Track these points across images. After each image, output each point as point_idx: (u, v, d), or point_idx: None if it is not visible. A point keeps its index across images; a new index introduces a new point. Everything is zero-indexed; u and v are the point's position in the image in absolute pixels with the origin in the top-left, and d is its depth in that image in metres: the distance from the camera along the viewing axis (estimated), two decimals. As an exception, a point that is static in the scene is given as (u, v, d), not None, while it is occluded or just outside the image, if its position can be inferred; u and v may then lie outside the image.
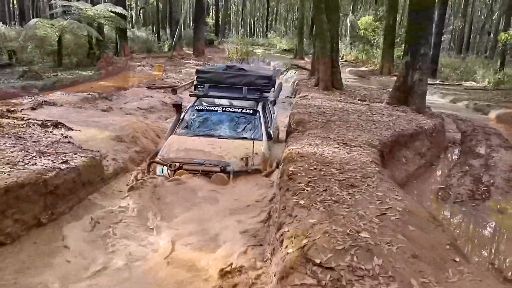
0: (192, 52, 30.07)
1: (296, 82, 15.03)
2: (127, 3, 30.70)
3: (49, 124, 6.27)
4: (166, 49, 32.66)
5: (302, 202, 3.54)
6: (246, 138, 6.34)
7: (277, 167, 5.87)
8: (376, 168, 4.57)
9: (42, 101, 8.44)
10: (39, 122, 6.30)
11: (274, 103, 7.85)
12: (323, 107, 9.23)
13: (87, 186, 4.66)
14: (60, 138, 5.64)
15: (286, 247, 3.04)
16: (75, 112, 8.15)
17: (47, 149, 4.96)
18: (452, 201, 6.00)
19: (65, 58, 18.60)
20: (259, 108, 7.03)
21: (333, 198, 3.56)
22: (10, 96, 10.29)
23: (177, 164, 5.61)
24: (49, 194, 4.03)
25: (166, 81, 15.89)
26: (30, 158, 4.47)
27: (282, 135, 8.41)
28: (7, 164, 4.19)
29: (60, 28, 17.29)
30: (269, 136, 6.67)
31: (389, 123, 7.81)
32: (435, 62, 23.19)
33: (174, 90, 7.55)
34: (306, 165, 4.54)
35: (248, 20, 74.67)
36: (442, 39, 26.19)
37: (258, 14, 74.61)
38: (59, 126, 6.28)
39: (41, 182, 3.95)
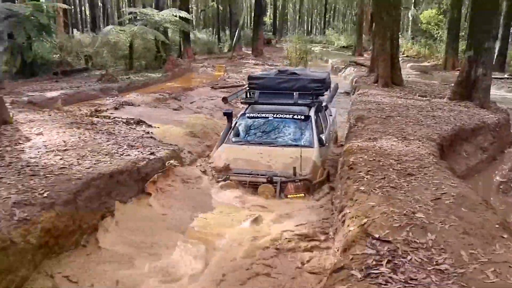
0: (251, 52, 30.81)
1: (355, 79, 15.17)
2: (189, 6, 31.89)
3: (132, 122, 7.06)
4: (226, 50, 33.70)
5: (362, 188, 3.93)
6: (296, 146, 6.14)
7: (327, 176, 5.85)
8: (434, 160, 4.84)
9: (122, 102, 9.38)
10: (124, 120, 7.11)
11: (325, 108, 7.47)
12: (382, 103, 9.44)
13: (168, 174, 5.31)
14: (143, 134, 6.37)
15: (348, 225, 3.46)
16: (151, 111, 8.97)
17: (135, 143, 5.69)
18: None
19: (135, 62, 19.88)
20: (311, 113, 6.83)
21: (391, 185, 3.92)
22: (92, 98, 11.43)
23: (224, 175, 5.66)
24: (140, 180, 4.71)
25: (228, 81, 16.63)
26: (123, 150, 5.21)
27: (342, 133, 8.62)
28: (106, 154, 4.93)
29: (131, 34, 18.55)
30: (321, 143, 6.39)
31: (449, 118, 7.90)
32: (503, 56, 22.25)
33: (225, 99, 7.38)
34: (366, 156, 4.91)
35: (306, 17, 74.57)
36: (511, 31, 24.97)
37: (315, 11, 74.27)
38: (141, 123, 7.05)
39: (136, 169, 4.64)
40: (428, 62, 26.04)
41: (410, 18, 34.92)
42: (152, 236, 4.06)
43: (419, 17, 30.05)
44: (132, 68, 19.00)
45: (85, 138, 5.69)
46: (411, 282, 2.50)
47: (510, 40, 23.87)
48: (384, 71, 12.34)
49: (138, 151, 5.21)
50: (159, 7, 24.58)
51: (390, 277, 2.56)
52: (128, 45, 19.08)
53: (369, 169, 4.41)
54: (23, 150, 4.97)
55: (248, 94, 7.41)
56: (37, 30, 15.73)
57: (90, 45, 21.95)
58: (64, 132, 5.96)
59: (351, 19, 64.26)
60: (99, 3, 39.16)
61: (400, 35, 35.83)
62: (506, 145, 8.59)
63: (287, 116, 6.83)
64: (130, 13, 21.41)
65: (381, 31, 12.42)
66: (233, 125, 6.83)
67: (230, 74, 19.15)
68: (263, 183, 5.49)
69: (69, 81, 14.80)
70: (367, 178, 4.14)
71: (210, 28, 42.12)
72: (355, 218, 3.45)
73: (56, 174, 4.14)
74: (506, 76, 20.59)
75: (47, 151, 4.94)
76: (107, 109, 8.57)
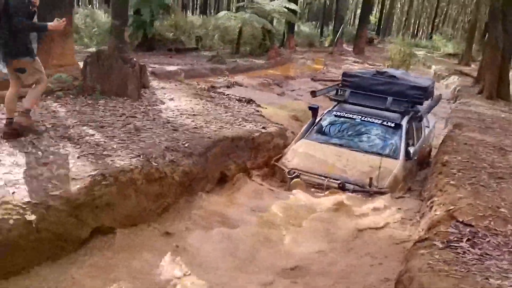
0: (351, 49, 30.81)
1: (457, 88, 14.89)
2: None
3: (243, 100, 7.94)
4: (326, 44, 33.91)
5: (452, 182, 4.37)
6: (379, 154, 5.75)
7: (408, 190, 5.56)
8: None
9: (233, 82, 10.35)
10: (237, 97, 8.01)
11: (420, 119, 6.80)
12: (483, 114, 9.42)
13: (275, 148, 6.09)
14: (253, 112, 7.21)
15: (435, 210, 3.96)
16: (258, 93, 9.85)
17: (247, 118, 6.54)
18: None
19: (241, 47, 21.08)
20: (403, 122, 6.29)
21: (480, 183, 4.32)
22: (204, 75, 12.62)
23: (296, 173, 5.47)
24: (254, 148, 5.54)
25: (327, 75, 17.14)
26: (240, 122, 6.07)
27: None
28: (227, 123, 5.83)
29: (242, 20, 19.72)
30: (408, 155, 5.89)
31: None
32: None
33: (313, 92, 7.14)
34: (459, 157, 5.28)
35: (413, 19, 71.79)
36: None
37: (424, 14, 71.16)
38: (251, 102, 7.90)
39: (251, 138, 5.48)
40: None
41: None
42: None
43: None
44: (238, 53, 20.17)
45: (208, 108, 6.67)
46: (485, 256, 2.99)
47: None
48: (491, 82, 12.08)
49: (252, 125, 6.04)
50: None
51: (468, 250, 3.06)
52: (237, 30, 20.31)
53: (461, 168, 4.81)
54: (161, 111, 6.04)
55: (338, 91, 7.11)
56: (161, 8, 17.46)
57: (200, 27, 23.54)
58: (191, 100, 7.00)
59: (462, 26, 60.74)
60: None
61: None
62: None
63: (376, 121, 6.36)
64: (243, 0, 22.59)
65: (493, 42, 12.13)
66: (317, 121, 6.60)
67: (329, 69, 19.60)
68: (334, 188, 5.26)
69: (183, 58, 16.23)
70: (458, 175, 4.56)
71: (314, 22, 42.54)
72: (443, 205, 3.94)
73: (192, 132, 5.09)
74: None
75: (180, 114, 5.97)
76: (221, 86, 9.59)
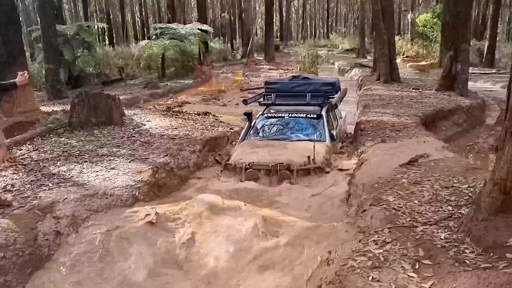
0: (262, 58, 33.56)
1: (360, 78, 17.90)
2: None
3: (201, 113, 9.79)
4: (239, 56, 36.49)
5: (370, 136, 6.66)
6: (310, 140, 6.71)
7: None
8: (413, 124, 7.57)
9: (182, 101, 12.14)
10: (195, 112, 9.84)
11: (335, 107, 8.25)
12: (383, 95, 12.13)
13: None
14: (214, 120, 9.11)
15: (362, 151, 6.19)
16: (205, 107, 11.72)
17: (214, 124, 8.44)
18: (475, 151, 8.75)
19: (166, 70, 22.72)
20: (323, 112, 7.42)
21: (385, 135, 6.66)
22: (146, 101, 14.19)
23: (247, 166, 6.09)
24: (230, 143, 7.47)
25: (252, 84, 19.39)
26: (211, 128, 7.96)
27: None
28: (203, 130, 7.71)
29: (163, 47, 21.41)
30: (332, 137, 7.07)
31: (433, 103, 10.59)
32: (492, 53, 24.89)
33: (245, 101, 8.22)
34: (371, 124, 7.65)
35: (309, 22, 77.23)
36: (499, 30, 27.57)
37: (318, 16, 76.91)
38: (208, 114, 9.77)
39: (226, 136, 7.41)
40: (426, 62, 28.62)
41: (409, 21, 37.54)
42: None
43: (416, 21, 32.67)
44: (165, 76, 21.83)
45: (181, 122, 8.45)
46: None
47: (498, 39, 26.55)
48: (385, 70, 15.04)
49: (222, 127, 7.96)
50: (176, 21, 27.55)
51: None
52: (160, 56, 21.97)
53: (373, 129, 7.16)
54: (149, 129, 7.74)
55: (265, 97, 8.18)
56: (82, 47, 18.60)
57: (115, 57, 24.73)
58: (163, 119, 8.73)
59: (353, 23, 66.88)
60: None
61: (400, 37, 38.36)
62: (479, 123, 11.24)
63: (301, 115, 7.48)
64: (159, 28, 24.24)
65: (380, 37, 15.13)
66: (252, 124, 7.53)
67: (251, 78, 21.91)
68: (282, 170, 5.98)
69: (115, 90, 17.37)
70: (372, 133, 6.88)
71: (221, 37, 45.07)
72: (367, 146, 6.18)
73: (185, 138, 6.91)
74: (494, 71, 23.21)
75: (165, 129, 7.72)
76: (174, 106, 11.33)
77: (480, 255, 2.68)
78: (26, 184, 4.61)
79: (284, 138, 7.06)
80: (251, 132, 7.45)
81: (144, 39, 29.66)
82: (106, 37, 43.73)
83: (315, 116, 7.39)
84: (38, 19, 17.77)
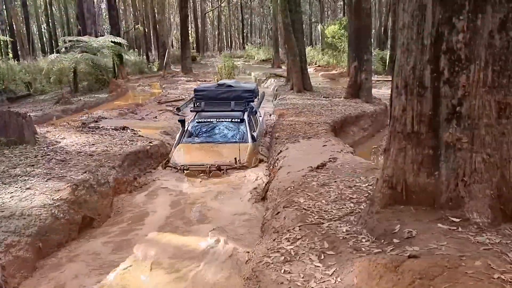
0: (180, 70, 33.48)
1: (275, 88, 18.67)
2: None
3: (119, 128, 9.70)
4: (155, 69, 36.03)
5: (284, 144, 7.12)
6: (235, 142, 7.93)
7: (259, 162, 7.83)
8: (324, 132, 8.18)
9: (97, 117, 11.88)
10: (112, 127, 9.72)
11: (255, 112, 9.41)
12: (296, 104, 12.83)
13: (163, 155, 8.17)
14: (132, 135, 9.08)
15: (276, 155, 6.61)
16: (123, 121, 11.56)
17: (133, 139, 8.43)
18: (379, 153, 9.62)
19: (79, 84, 21.89)
20: (245, 117, 8.61)
21: (298, 141, 7.15)
22: (59, 117, 13.66)
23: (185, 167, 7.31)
24: (149, 157, 7.53)
25: (169, 97, 19.35)
26: (130, 142, 7.96)
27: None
28: (122, 144, 7.69)
29: (74, 61, 20.64)
30: (253, 139, 8.23)
31: (341, 110, 11.44)
32: (393, 61, 27.07)
33: (178, 109, 9.24)
34: (285, 132, 8.15)
35: (224, 33, 78.24)
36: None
37: (233, 26, 78.18)
38: (126, 128, 9.71)
39: (146, 150, 7.47)
40: (336, 71, 30.43)
41: (320, 32, 39.65)
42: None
43: (325, 32, 34.63)
44: (78, 91, 21.00)
45: (98, 138, 8.34)
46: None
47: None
48: (297, 80, 15.87)
49: (141, 142, 8.00)
50: (86, 33, 26.66)
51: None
52: (72, 70, 21.12)
53: (287, 136, 7.64)
54: (65, 146, 7.57)
55: (195, 104, 9.31)
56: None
57: (21, 72, 23.36)
58: (79, 136, 8.56)
59: (267, 34, 68.91)
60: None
61: (312, 47, 40.29)
62: (382, 127, 12.32)
63: (227, 120, 8.67)
64: (69, 41, 23.31)
65: (291, 49, 15.96)
66: (185, 129, 8.58)
67: (168, 91, 21.83)
68: (214, 170, 7.18)
69: (23, 106, 16.41)
70: (286, 140, 7.35)
71: (136, 49, 44.21)
72: (280, 152, 6.62)
73: (103, 154, 6.87)
74: (395, 78, 25.32)
75: (82, 146, 7.59)
76: (90, 122, 11.06)
77: (373, 242, 3.13)
78: None
79: (214, 141, 8.32)
80: (185, 136, 8.44)
81: (53, 52, 28.33)
82: (10, 51, 41.05)
83: (238, 120, 8.53)
84: None
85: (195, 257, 4.25)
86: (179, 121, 8.90)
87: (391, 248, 2.88)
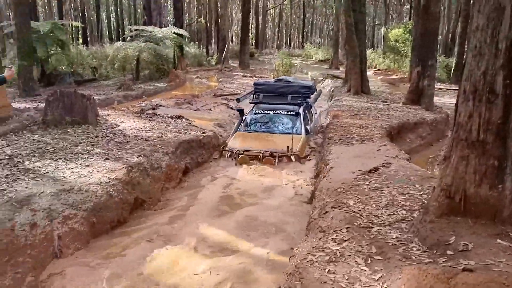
0: (237, 65, 33.84)
1: (332, 89, 18.40)
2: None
3: (174, 117, 9.94)
4: (213, 62, 36.65)
5: (337, 145, 6.99)
6: (289, 133, 8.41)
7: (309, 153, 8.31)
8: (378, 136, 7.96)
9: (156, 104, 12.24)
10: (168, 116, 9.98)
11: (310, 107, 9.99)
12: (352, 106, 12.57)
13: (214, 147, 8.28)
14: (187, 124, 9.27)
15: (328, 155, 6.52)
16: (179, 110, 11.85)
17: (187, 128, 8.61)
18: (437, 163, 9.23)
19: (140, 73, 22.69)
20: (300, 110, 9.21)
21: (352, 143, 7.00)
22: (119, 102, 14.20)
23: (240, 152, 7.87)
24: (201, 147, 7.66)
25: (225, 90, 19.61)
26: (184, 131, 8.13)
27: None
28: (177, 132, 7.87)
29: (138, 49, 21.39)
30: (307, 131, 8.89)
31: (399, 116, 11.08)
32: (460, 70, 25.94)
33: (238, 99, 9.87)
34: (339, 133, 8.00)
35: (284, 31, 78.16)
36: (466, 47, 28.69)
37: (294, 25, 77.92)
38: (181, 117, 9.93)
39: (199, 140, 7.60)
40: (396, 75, 29.55)
41: (382, 35, 38.63)
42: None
43: (389, 35, 33.67)
44: (139, 79, 21.77)
45: (154, 125, 8.59)
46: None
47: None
48: (355, 82, 15.55)
49: (195, 131, 8.15)
50: (152, 24, 27.50)
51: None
52: (135, 58, 21.92)
53: (340, 139, 7.50)
54: (123, 130, 7.85)
55: (254, 96, 9.99)
56: (56, 45, 18.44)
57: (89, 57, 24.54)
58: (137, 121, 8.85)
59: (328, 34, 68.14)
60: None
61: (373, 50, 39.41)
62: (442, 136, 11.81)
63: (283, 112, 9.27)
64: (135, 30, 24.18)
65: (352, 50, 15.65)
66: (243, 118, 9.36)
67: (225, 85, 22.13)
68: (267, 156, 7.71)
69: (87, 89, 17.32)
70: (339, 141, 7.21)
71: (196, 42, 45.15)
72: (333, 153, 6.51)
73: (158, 140, 7.06)
74: (459, 87, 24.19)
75: (138, 130, 7.85)
76: (148, 109, 11.42)
77: (425, 252, 2.99)
78: (1, 178, 4.69)
79: (269, 131, 8.90)
80: (242, 125, 9.22)
81: (119, 40, 29.50)
82: (80, 37, 43.26)
83: (294, 113, 9.13)
84: (11, 14, 17.56)
85: (239, 250, 4.29)
86: (238, 110, 9.63)
87: (444, 260, 2.74)
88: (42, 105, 9.15)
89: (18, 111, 9.67)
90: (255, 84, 10.42)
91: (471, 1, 17.56)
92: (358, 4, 15.83)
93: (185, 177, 6.93)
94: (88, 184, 4.68)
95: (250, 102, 10.05)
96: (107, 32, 48.15)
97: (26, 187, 4.43)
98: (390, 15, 52.54)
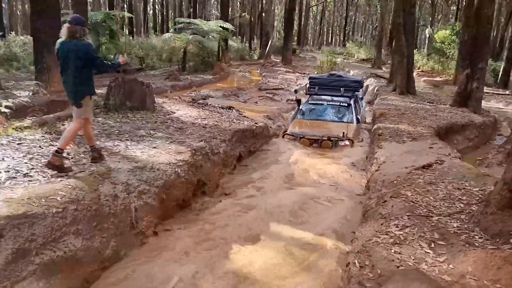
0: (279, 60, 34.04)
1: (376, 88, 18.34)
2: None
3: (225, 107, 10.28)
4: (255, 57, 37.00)
5: (388, 141, 7.13)
6: (343, 121, 9.76)
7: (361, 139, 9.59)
8: (429, 134, 8.02)
9: (206, 95, 12.66)
10: (220, 106, 10.34)
11: (361, 98, 11.37)
12: (398, 105, 12.56)
13: (264, 137, 8.57)
14: (238, 115, 9.60)
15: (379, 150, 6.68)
16: (227, 102, 12.22)
17: (239, 118, 8.93)
18: (484, 166, 9.18)
19: (186, 64, 23.30)
20: (352, 102, 10.46)
21: (402, 140, 7.12)
22: (166, 91, 14.71)
23: (301, 136, 9.08)
24: (253, 137, 7.96)
25: (269, 85, 19.89)
26: (236, 121, 8.45)
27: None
28: (229, 122, 8.20)
29: (186, 41, 21.97)
30: (358, 121, 10.12)
31: (447, 117, 11.03)
32: (507, 75, 25.27)
33: (295, 91, 11.16)
34: (388, 131, 8.11)
35: (325, 29, 77.57)
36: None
37: (336, 23, 77.23)
38: (231, 108, 10.27)
39: (252, 130, 7.90)
40: (440, 77, 28.94)
41: (427, 36, 37.85)
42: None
43: (435, 36, 32.99)
44: (185, 70, 22.38)
45: (208, 114, 8.96)
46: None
47: None
48: (401, 82, 15.47)
49: (247, 122, 8.46)
50: (196, 17, 28.08)
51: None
52: (182, 50, 22.54)
53: (390, 136, 7.63)
54: (179, 117, 8.25)
55: (309, 88, 11.30)
56: (108, 34, 19.21)
57: (135, 47, 25.29)
58: (191, 110, 9.24)
59: (370, 33, 67.17)
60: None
61: (417, 51, 38.78)
62: (489, 139, 11.67)
63: (336, 103, 10.40)
64: (182, 22, 24.81)
65: (400, 50, 15.56)
66: (300, 107, 10.58)
67: (268, 79, 22.41)
68: (325, 140, 8.78)
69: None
70: (389, 138, 7.34)
71: (239, 36, 45.63)
72: (383, 149, 6.66)
73: (215, 128, 7.41)
74: (507, 92, 23.55)
75: (194, 118, 8.22)
76: (198, 99, 11.85)
77: (487, 240, 3.16)
78: (80, 154, 5.13)
79: (323, 119, 9.98)
80: (299, 114, 10.38)
81: (163, 32, 30.24)
82: (127, 27, 44.54)
83: (346, 105, 10.24)
84: (70, 3, 18.40)
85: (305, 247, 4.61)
86: (296, 100, 10.98)
87: (508, 247, 2.90)
88: (98, 91, 9.70)
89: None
90: (310, 78, 11.80)
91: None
92: (409, 4, 15.70)
93: (239, 164, 7.25)
94: (158, 163, 5.05)
95: (306, 93, 11.30)
96: (152, 24, 49.27)
97: (103, 163, 4.84)
98: (436, 16, 51.24)
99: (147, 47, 26.37)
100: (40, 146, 5.40)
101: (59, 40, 4.59)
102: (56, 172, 4.29)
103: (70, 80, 4.60)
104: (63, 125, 6.97)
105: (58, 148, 4.47)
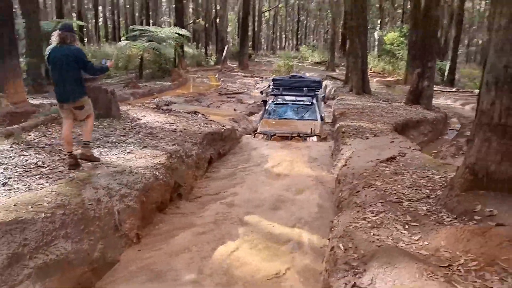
0: (236, 66, 34.31)
1: (333, 89, 18.96)
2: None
3: (190, 112, 10.38)
4: (212, 62, 37.07)
5: (351, 137, 7.49)
6: (308, 119, 10.66)
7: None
8: (388, 130, 8.48)
9: (168, 101, 12.67)
10: (185, 111, 10.42)
11: (321, 99, 12.06)
12: (357, 105, 13.09)
13: (232, 139, 8.74)
14: (205, 119, 9.72)
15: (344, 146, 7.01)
16: (192, 107, 12.30)
17: (206, 122, 9.06)
18: (439, 158, 9.77)
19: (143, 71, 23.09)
20: (314, 101, 11.34)
21: (365, 136, 7.51)
22: (127, 99, 14.58)
23: (272, 134, 9.83)
24: (222, 140, 8.12)
25: (228, 89, 20.10)
26: (204, 125, 8.58)
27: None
28: (198, 126, 8.31)
29: (142, 48, 21.79)
30: (321, 118, 11.01)
31: (402, 114, 11.62)
32: (453, 74, 26.76)
33: (261, 92, 12.18)
34: (350, 128, 8.50)
35: (278, 33, 78.76)
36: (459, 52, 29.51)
37: (288, 27, 78.57)
38: (196, 113, 10.37)
39: (220, 133, 8.06)
40: (392, 78, 30.19)
41: (377, 38, 39.33)
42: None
43: (384, 39, 34.36)
44: (142, 78, 22.17)
45: (175, 119, 9.02)
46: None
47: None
48: (357, 83, 16.11)
49: (214, 126, 8.60)
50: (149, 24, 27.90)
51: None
52: (139, 57, 22.32)
53: (353, 133, 8.01)
54: (147, 123, 8.28)
55: (273, 89, 12.06)
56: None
57: (89, 56, 24.83)
58: (158, 115, 9.28)
59: (322, 37, 68.84)
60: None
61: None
62: (441, 133, 12.40)
63: (300, 103, 11.26)
64: (137, 30, 24.56)
65: (353, 52, 16.21)
66: (266, 108, 11.41)
67: (227, 84, 22.61)
68: (295, 137, 9.55)
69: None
70: (352, 135, 7.72)
71: (195, 42, 45.54)
72: (348, 145, 7.01)
73: (185, 132, 7.51)
74: (454, 89, 24.96)
75: (163, 124, 8.28)
76: (162, 105, 11.86)
77: (454, 219, 3.49)
78: (55, 162, 5.11)
79: (290, 118, 10.81)
80: (266, 113, 11.16)
81: (115, 40, 29.77)
82: (78, 35, 43.39)
83: (309, 103, 11.15)
84: (20, 12, 17.77)
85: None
86: (262, 101, 12.04)
87: (473, 223, 3.23)
88: (55, 100, 9.53)
89: (35, 106, 10.05)
90: (273, 80, 12.75)
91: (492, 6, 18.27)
92: (361, 7, 16.39)
93: (210, 167, 7.39)
94: (136, 167, 5.12)
95: (270, 94, 11.95)
96: (104, 32, 48.32)
97: (81, 169, 4.86)
98: (383, 20, 53.22)
99: (100, 55, 25.87)
100: (11, 157, 5.34)
101: (50, 46, 4.91)
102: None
103: (65, 83, 4.91)
104: (29, 135, 6.85)
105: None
